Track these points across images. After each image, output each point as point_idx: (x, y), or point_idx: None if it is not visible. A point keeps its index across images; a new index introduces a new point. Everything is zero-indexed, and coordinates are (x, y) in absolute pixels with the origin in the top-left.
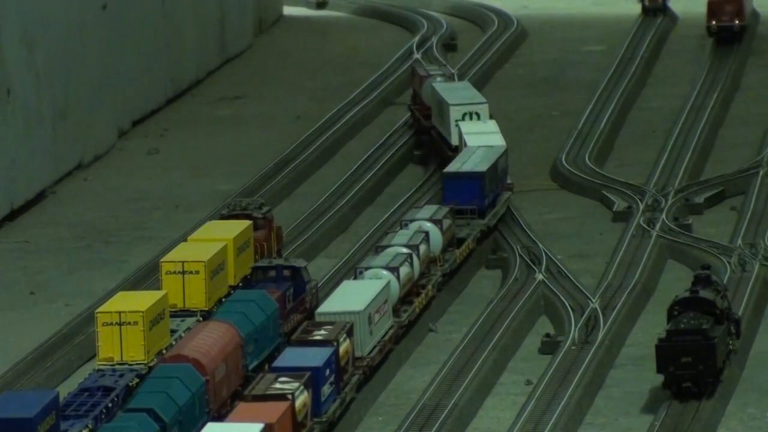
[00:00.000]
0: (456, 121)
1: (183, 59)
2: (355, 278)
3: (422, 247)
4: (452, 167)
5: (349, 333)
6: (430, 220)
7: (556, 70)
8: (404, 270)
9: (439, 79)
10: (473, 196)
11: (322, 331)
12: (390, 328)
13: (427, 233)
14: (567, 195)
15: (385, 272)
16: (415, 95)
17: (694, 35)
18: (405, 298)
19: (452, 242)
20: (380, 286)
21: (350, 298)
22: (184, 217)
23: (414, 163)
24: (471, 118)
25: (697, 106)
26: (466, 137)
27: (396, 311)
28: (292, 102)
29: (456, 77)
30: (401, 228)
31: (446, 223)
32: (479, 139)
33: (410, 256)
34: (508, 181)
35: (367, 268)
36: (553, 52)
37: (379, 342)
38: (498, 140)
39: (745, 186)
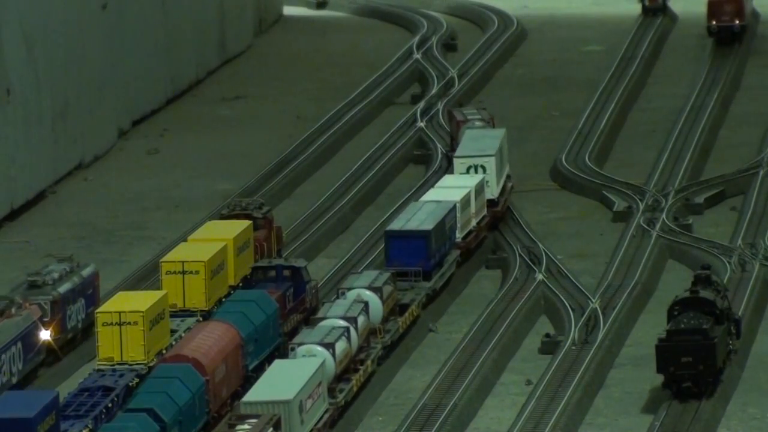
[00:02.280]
0: (460, 174)
1: (183, 59)
2: (287, 356)
3: (361, 319)
4: (396, 225)
5: (276, 427)
6: (370, 287)
7: (556, 70)
8: (341, 346)
9: (477, 124)
10: (418, 256)
11: (246, 426)
12: (325, 412)
13: (366, 303)
14: (567, 195)
15: (319, 349)
16: (453, 141)
17: (694, 35)
18: (342, 376)
19: (394, 310)
20: (314, 367)
21: (280, 383)
22: (184, 217)
23: (414, 163)
24: (476, 171)
25: (697, 106)
26: (430, 190)
27: (331, 391)
28: (292, 102)
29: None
30: (338, 297)
31: (387, 290)
32: (441, 193)
33: (347, 330)
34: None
35: (300, 344)
36: (553, 52)
37: (311, 431)
38: (457, 195)
39: (745, 186)
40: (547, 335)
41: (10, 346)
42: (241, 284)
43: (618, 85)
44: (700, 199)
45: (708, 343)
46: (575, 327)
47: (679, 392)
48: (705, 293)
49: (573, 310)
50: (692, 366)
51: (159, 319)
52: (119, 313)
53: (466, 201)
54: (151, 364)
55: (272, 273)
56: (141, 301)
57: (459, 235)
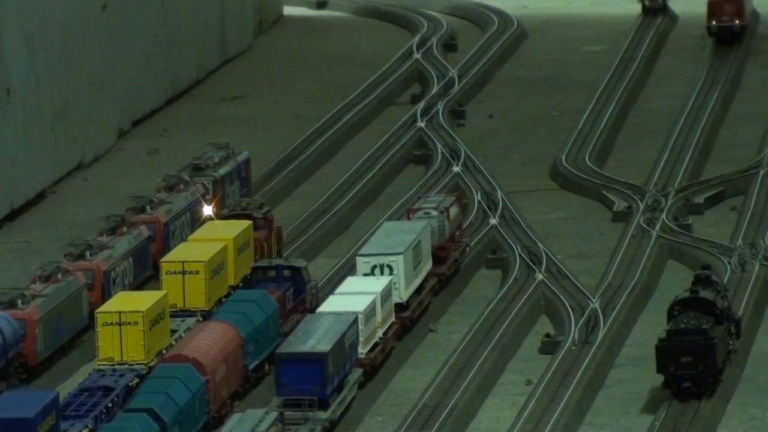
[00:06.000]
0: (364, 275)
1: (183, 59)
2: None
3: None
4: (288, 346)
5: None
6: None
7: (556, 70)
8: None
9: (434, 213)
10: (313, 382)
11: None
12: None
13: None
14: (567, 195)
15: None
16: None
17: (694, 35)
18: None
19: None
20: None
21: None
22: None
23: (414, 163)
24: (382, 272)
25: (697, 106)
26: (330, 297)
27: None
28: (292, 102)
29: (451, 209)
30: None
31: None
32: (341, 302)
33: None
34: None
35: None
36: (553, 52)
37: None
38: (361, 305)
39: (745, 186)
40: (547, 335)
41: (181, 216)
42: (241, 284)
43: (618, 85)
44: (700, 199)
45: (708, 343)
46: (575, 327)
47: (679, 392)
48: (705, 293)
49: (573, 310)
50: (692, 366)
51: (159, 319)
52: (119, 313)
53: (370, 310)
54: (151, 364)
55: (272, 273)
56: (141, 301)
57: (362, 350)
